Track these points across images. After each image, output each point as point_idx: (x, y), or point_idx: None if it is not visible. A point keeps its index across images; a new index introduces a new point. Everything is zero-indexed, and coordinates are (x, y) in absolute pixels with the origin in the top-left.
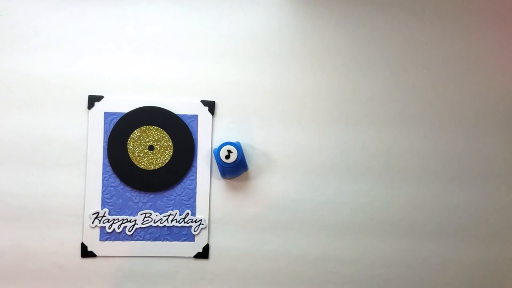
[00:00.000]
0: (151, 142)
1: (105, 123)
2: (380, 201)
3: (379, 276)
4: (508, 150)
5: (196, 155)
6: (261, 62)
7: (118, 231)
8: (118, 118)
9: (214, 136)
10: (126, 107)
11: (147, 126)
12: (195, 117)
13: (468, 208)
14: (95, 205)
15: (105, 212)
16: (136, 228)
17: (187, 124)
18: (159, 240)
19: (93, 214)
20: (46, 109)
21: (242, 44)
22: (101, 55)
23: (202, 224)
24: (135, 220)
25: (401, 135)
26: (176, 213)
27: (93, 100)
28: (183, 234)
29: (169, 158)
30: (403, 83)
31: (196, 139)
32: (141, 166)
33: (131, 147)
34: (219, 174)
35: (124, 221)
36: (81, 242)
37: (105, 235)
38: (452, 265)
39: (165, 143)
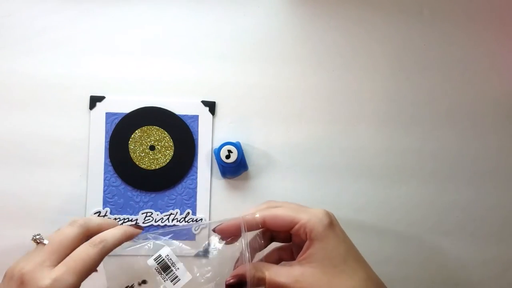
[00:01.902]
0: (152, 142)
1: (106, 123)
2: (379, 200)
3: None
4: (505, 150)
5: (197, 155)
6: (261, 63)
7: None
8: (120, 118)
9: (214, 136)
10: (127, 108)
11: (148, 127)
12: (195, 118)
13: (465, 207)
14: (97, 204)
15: (106, 212)
16: None
17: (187, 124)
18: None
19: (94, 213)
20: (48, 110)
21: (242, 45)
22: (103, 56)
23: (203, 224)
24: (136, 220)
25: (400, 135)
26: (177, 213)
27: (94, 101)
28: (184, 233)
29: (170, 158)
30: (402, 83)
31: (197, 139)
32: (142, 166)
33: (132, 147)
34: (219, 174)
35: (126, 220)
36: None
37: None
38: (449, 263)
39: (166, 143)
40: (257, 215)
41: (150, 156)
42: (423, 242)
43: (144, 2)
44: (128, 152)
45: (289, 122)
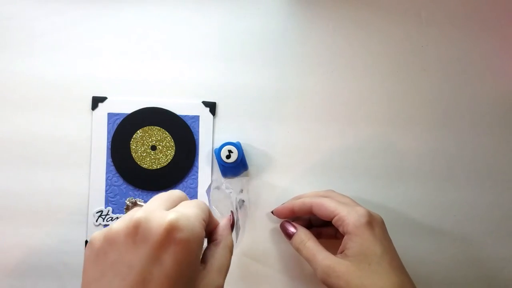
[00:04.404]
0: (154, 142)
1: (108, 124)
2: (377, 200)
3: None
4: (503, 149)
5: (198, 155)
6: (261, 64)
7: None
8: (121, 118)
9: (215, 136)
10: (129, 108)
11: (150, 127)
12: (196, 118)
13: (463, 206)
14: (99, 203)
15: (108, 211)
16: None
17: (188, 124)
18: None
19: (97, 213)
20: (51, 110)
21: (242, 46)
22: (105, 57)
23: None
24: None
25: (398, 135)
26: None
27: (96, 101)
28: None
29: (171, 158)
30: (400, 84)
31: (198, 139)
32: (144, 166)
33: (134, 147)
34: (220, 173)
35: None
36: (85, 239)
37: None
38: (446, 263)
39: (167, 143)
40: (307, 200)
41: (152, 156)
42: (421, 241)
43: (145, 4)
44: (130, 152)
45: (289, 122)
